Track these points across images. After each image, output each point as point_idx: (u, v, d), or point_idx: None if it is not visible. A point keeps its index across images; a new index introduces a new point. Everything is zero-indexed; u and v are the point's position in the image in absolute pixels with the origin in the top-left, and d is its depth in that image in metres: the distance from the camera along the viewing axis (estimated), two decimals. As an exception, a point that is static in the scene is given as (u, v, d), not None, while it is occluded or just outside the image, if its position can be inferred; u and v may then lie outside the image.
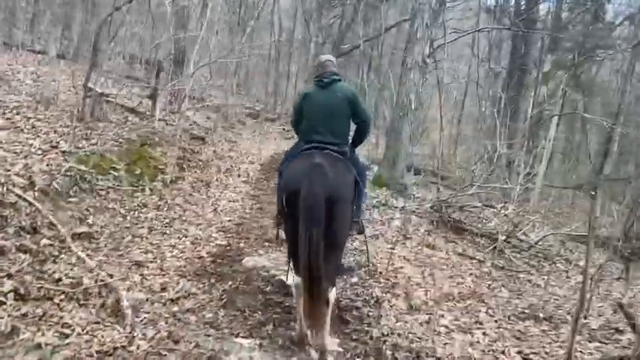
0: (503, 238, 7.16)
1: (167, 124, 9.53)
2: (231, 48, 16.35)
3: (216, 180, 8.21)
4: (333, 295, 3.25)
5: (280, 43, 23.62)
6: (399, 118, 9.31)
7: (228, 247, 5.46)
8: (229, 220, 6.39)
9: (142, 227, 5.37)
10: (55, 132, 6.09)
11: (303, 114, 3.72)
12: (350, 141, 3.82)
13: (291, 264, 3.39)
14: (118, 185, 5.71)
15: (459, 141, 19.38)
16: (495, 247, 6.99)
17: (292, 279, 3.42)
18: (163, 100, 11.28)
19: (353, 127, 3.87)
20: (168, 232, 5.50)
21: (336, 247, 3.27)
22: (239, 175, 9.22)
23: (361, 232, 3.89)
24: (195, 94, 15.90)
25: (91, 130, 6.58)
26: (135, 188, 6.05)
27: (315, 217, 2.97)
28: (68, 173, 5.25)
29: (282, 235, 3.68)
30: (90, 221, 4.92)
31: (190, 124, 10.74)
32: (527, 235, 7.60)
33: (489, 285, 5.35)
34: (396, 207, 8.18)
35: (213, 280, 4.43)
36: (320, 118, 3.59)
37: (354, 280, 4.87)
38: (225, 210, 6.84)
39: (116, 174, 5.81)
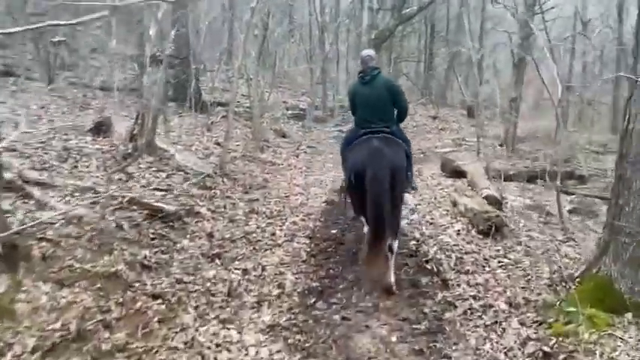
0: None
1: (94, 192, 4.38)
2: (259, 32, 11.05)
3: (186, 344, 2.99)
4: (396, 244, 4.18)
5: (323, 18, 17.88)
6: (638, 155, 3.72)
7: None
8: None
9: None
10: None
11: (356, 105, 4.63)
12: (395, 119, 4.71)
13: (362, 218, 4.46)
14: None
15: None
16: None
17: (365, 228, 4.39)
18: (117, 131, 6.30)
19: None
20: None
21: (397, 205, 4.25)
22: (260, 303, 3.90)
23: (414, 188, 5.13)
24: (208, 98, 10.85)
25: None
26: None
27: (381, 192, 3.90)
28: None
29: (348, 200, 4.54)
30: None
31: (172, 171, 5.59)
32: None
33: None
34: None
35: None
36: (370, 109, 4.48)
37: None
38: None
39: None
